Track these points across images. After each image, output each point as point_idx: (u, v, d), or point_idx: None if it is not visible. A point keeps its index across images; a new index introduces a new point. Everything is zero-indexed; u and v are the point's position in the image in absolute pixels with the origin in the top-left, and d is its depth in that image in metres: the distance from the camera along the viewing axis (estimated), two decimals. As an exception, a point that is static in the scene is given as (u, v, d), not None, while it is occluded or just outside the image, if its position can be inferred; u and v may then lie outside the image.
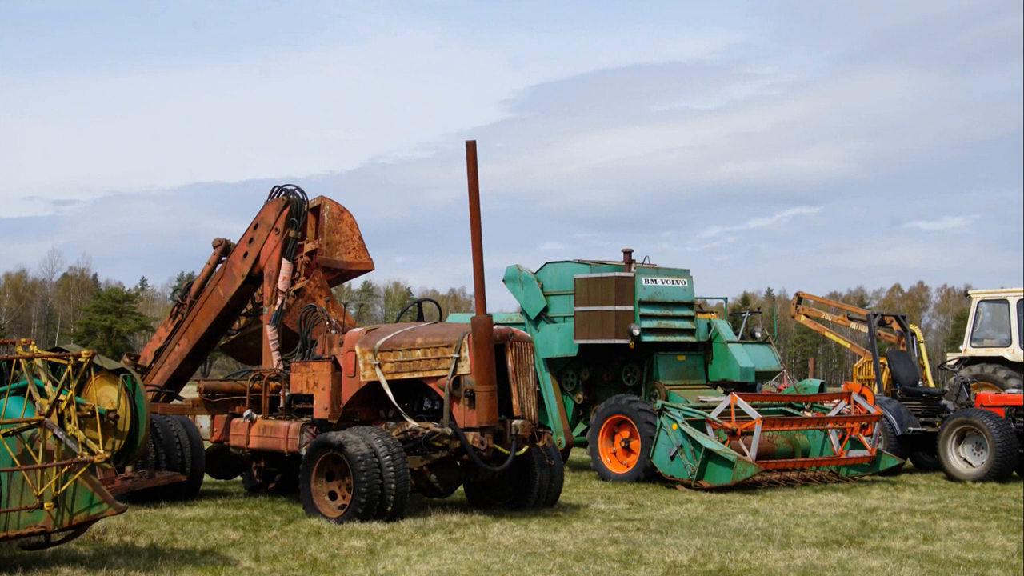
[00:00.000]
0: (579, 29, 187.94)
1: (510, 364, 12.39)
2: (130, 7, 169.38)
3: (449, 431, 12.16)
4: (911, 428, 18.60)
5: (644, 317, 17.32)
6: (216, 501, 13.97)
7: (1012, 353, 21.59)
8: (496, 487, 13.27)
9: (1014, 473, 17.60)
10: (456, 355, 12.25)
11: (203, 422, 15.25)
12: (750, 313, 21.16)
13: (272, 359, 14.03)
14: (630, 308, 17.25)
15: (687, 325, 17.86)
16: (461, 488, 13.61)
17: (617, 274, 17.39)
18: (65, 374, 9.04)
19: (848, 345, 25.62)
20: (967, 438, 17.41)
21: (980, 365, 21.85)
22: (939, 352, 72.47)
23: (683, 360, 17.97)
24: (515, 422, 12.26)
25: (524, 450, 12.47)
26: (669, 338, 17.62)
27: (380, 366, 12.75)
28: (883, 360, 21.59)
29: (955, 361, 22.75)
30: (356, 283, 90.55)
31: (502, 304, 29.89)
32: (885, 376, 21.58)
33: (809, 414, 17.28)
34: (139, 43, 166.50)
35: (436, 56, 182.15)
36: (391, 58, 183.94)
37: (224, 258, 15.05)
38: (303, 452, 12.83)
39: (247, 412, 13.89)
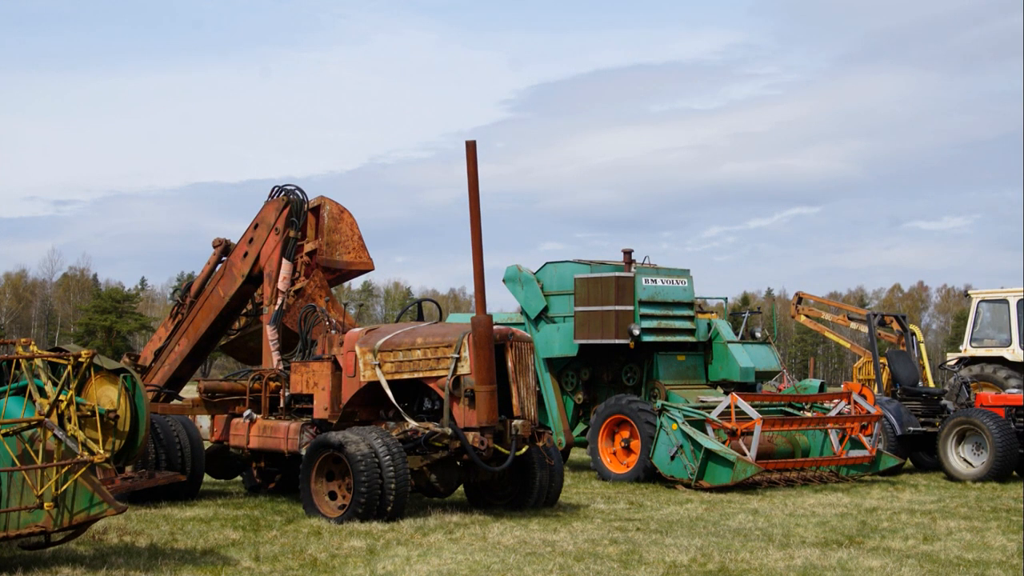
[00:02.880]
0: (579, 29, 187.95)
1: (510, 364, 12.38)
2: (130, 7, 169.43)
3: (449, 431, 12.16)
4: (911, 428, 18.60)
5: (644, 317, 17.32)
6: (216, 501, 13.97)
7: (1012, 353, 21.59)
8: (496, 487, 13.27)
9: (1014, 473, 17.60)
10: (456, 355, 12.25)
11: (203, 422, 15.25)
12: (750, 313, 21.15)
13: (272, 359, 14.03)
14: (630, 308, 17.25)
15: (687, 325, 17.86)
16: (461, 488, 13.61)
17: (617, 274, 17.39)
18: (65, 374, 9.04)
19: (848, 345, 25.61)
20: (967, 438, 17.41)
21: (980, 365, 21.85)
22: (939, 352, 72.46)
23: (683, 360, 17.97)
24: (515, 422, 12.25)
25: (524, 450, 12.47)
26: (669, 338, 17.62)
27: (380, 366, 12.75)
28: (883, 360, 21.59)
29: (955, 361, 22.75)
30: (356, 283, 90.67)
31: (502, 304, 29.90)
32: (885, 376, 21.58)
33: (809, 414, 17.28)
34: (139, 43, 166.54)
35: (436, 56, 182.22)
36: (391, 58, 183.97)
37: (224, 258, 15.06)
38: (303, 452, 12.83)
39: (247, 412, 13.90)
